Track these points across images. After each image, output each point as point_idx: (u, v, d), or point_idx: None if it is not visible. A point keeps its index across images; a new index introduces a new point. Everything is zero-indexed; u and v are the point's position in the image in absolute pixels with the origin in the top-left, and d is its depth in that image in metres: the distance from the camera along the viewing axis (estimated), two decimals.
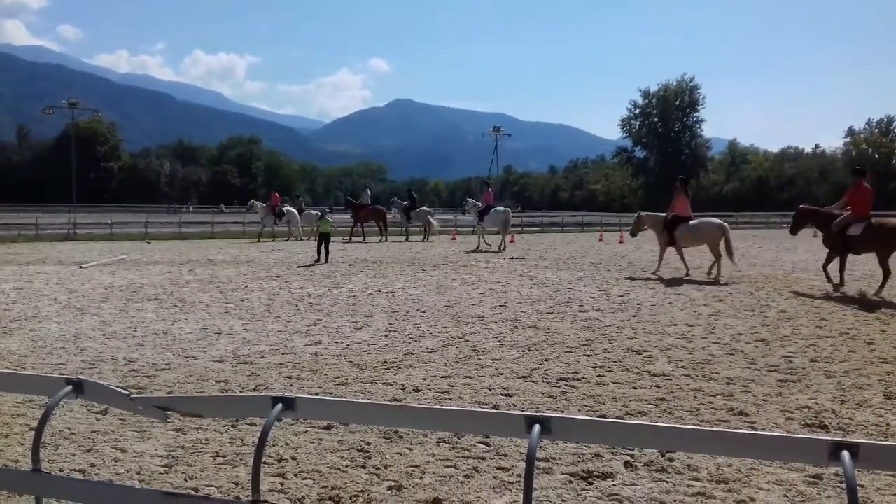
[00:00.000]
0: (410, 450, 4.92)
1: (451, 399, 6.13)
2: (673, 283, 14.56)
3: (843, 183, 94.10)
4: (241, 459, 4.78)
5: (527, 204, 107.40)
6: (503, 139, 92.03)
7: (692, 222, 15.95)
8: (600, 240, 32.57)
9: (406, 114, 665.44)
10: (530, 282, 14.74)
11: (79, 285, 14.04)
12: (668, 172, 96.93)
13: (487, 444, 4.96)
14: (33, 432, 5.25)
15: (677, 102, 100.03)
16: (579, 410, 5.73)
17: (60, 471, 4.50)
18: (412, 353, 7.95)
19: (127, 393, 3.48)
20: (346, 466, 4.64)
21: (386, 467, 4.61)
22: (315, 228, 29.70)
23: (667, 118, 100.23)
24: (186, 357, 7.82)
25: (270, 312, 10.85)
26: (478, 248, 25.16)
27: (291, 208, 31.95)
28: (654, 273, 16.08)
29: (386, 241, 30.49)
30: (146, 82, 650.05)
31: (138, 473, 4.58)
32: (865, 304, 11.72)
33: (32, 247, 26.58)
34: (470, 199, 28.84)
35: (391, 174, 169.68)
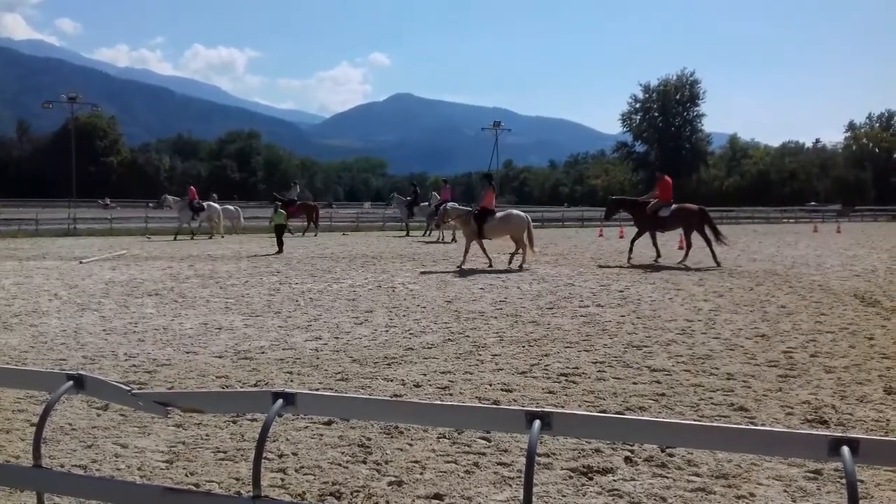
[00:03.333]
0: (411, 445, 4.93)
1: (451, 395, 6.14)
2: (673, 278, 14.56)
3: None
4: (241, 455, 4.79)
5: (526, 199, 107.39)
6: (503, 134, 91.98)
7: (499, 215, 17.03)
8: (600, 235, 32.57)
9: (406, 108, 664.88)
10: (530, 277, 14.74)
11: (79, 280, 14.04)
12: (668, 167, 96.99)
13: (488, 440, 4.97)
14: (34, 428, 5.26)
15: (678, 97, 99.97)
16: (579, 406, 5.74)
17: (61, 466, 4.51)
18: (412, 349, 7.96)
19: (128, 388, 3.48)
20: (347, 462, 4.65)
21: (386, 463, 4.62)
22: (237, 225, 30.71)
23: (667, 113, 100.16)
24: (187, 352, 7.83)
25: (271, 308, 10.85)
26: (438, 240, 27.84)
27: (213, 203, 29.67)
28: (459, 266, 16.59)
29: (315, 235, 30.27)
30: (145, 76, 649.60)
31: (139, 469, 4.59)
32: (865, 300, 11.73)
33: (33, 242, 26.58)
34: (396, 194, 33.17)
35: (391, 169, 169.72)
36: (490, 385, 6.42)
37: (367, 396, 3.82)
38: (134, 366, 7.20)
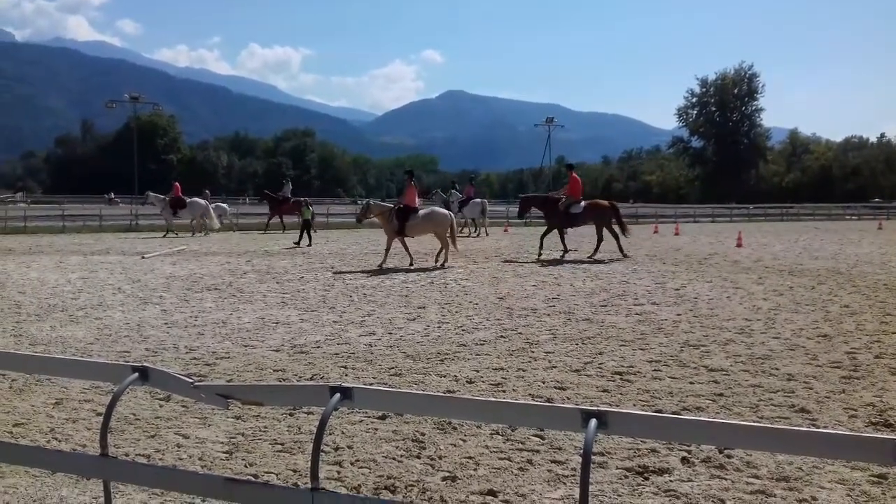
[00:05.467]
0: (464, 441, 4.95)
1: (504, 391, 6.14)
2: (731, 276, 14.27)
3: None
4: (298, 447, 4.88)
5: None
6: (556, 130, 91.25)
7: (422, 212, 16.75)
8: (655, 231, 32.07)
9: (458, 105, 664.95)
10: (583, 274, 14.62)
11: (141, 275, 14.48)
12: (725, 163, 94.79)
13: (541, 438, 4.96)
14: (100, 417, 5.46)
15: (735, 91, 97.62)
16: (634, 405, 5.68)
17: (126, 455, 4.65)
18: (465, 345, 7.98)
19: (190, 381, 3.58)
20: (401, 456, 4.70)
21: (440, 458, 4.65)
22: (226, 220, 31.08)
23: (725, 107, 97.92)
24: (245, 346, 8.01)
25: (325, 303, 11.01)
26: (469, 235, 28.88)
27: (199, 199, 29.45)
28: (379, 265, 16.15)
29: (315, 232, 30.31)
30: (204, 76, 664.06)
31: (200, 459, 4.71)
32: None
33: (97, 237, 27.48)
34: (438, 191, 33.31)
35: (442, 165, 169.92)
36: (543, 382, 6.39)
37: (423, 392, 3.86)
38: (194, 358, 7.39)
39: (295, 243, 22.89)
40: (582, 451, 4.08)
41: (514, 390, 6.17)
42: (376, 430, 5.20)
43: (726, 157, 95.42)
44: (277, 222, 30.70)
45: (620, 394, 6.04)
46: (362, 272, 15.07)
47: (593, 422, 2.83)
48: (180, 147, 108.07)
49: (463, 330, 8.87)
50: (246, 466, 4.57)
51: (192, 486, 3.57)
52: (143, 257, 18.32)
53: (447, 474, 4.39)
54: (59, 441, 5.05)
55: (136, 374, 3.58)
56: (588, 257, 17.78)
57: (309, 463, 4.52)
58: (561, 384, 6.33)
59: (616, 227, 18.19)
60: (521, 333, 8.60)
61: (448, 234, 16.39)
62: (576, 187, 18.61)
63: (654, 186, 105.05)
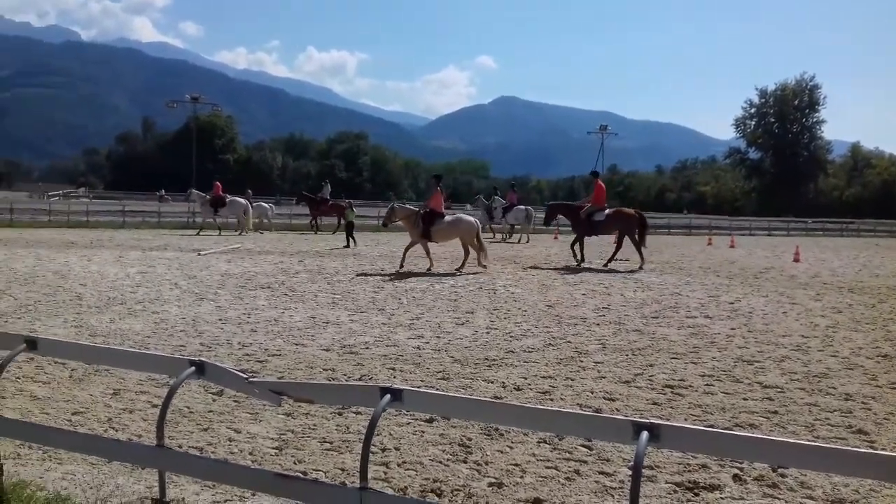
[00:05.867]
0: (511, 448, 4.94)
1: (552, 400, 6.10)
2: (788, 291, 13.92)
3: None
4: (346, 446, 4.93)
5: (630, 204, 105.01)
6: (609, 138, 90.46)
7: (448, 218, 16.64)
8: (709, 244, 31.48)
9: (511, 111, 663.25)
10: (634, 285, 14.43)
11: (197, 272, 14.82)
12: (784, 175, 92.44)
13: (589, 448, 4.91)
14: (155, 409, 5.61)
15: (796, 102, 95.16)
16: (686, 419, 5.58)
17: (179, 447, 4.75)
18: (513, 352, 7.96)
19: (245, 376, 3.66)
20: (448, 460, 4.71)
21: (486, 463, 4.65)
22: (266, 221, 31.21)
23: (784, 118, 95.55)
24: (296, 344, 8.13)
25: (375, 305, 11.10)
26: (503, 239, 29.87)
27: (238, 199, 29.68)
28: (399, 269, 16.00)
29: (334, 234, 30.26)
30: (261, 78, 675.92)
31: (251, 454, 4.80)
32: None
33: (155, 233, 28.21)
34: (480, 197, 35.15)
35: (494, 171, 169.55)
36: (592, 393, 6.33)
37: (472, 397, 3.86)
38: (247, 355, 7.53)
39: (347, 245, 23.19)
40: (632, 464, 4.03)
41: (562, 399, 6.12)
42: (423, 432, 5.22)
43: (784, 170, 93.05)
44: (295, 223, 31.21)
45: (671, 407, 5.95)
46: (412, 275, 15.14)
47: (645, 434, 2.80)
48: (237, 147, 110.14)
49: (511, 336, 8.85)
50: (295, 463, 4.64)
51: (244, 479, 3.64)
52: (199, 254, 18.75)
53: (493, 480, 4.38)
54: (116, 430, 5.19)
55: (193, 368, 3.68)
56: (603, 265, 17.76)
57: (356, 462, 4.57)
58: (610, 395, 6.26)
59: (637, 238, 17.96)
60: (569, 342, 8.54)
61: (475, 242, 16.28)
62: (600, 195, 18.48)
63: (709, 197, 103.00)
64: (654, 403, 6.05)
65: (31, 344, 4.17)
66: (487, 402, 3.61)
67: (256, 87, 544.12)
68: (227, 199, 29.02)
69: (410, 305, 11.12)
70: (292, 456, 4.76)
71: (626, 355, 7.88)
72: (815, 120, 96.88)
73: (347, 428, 5.30)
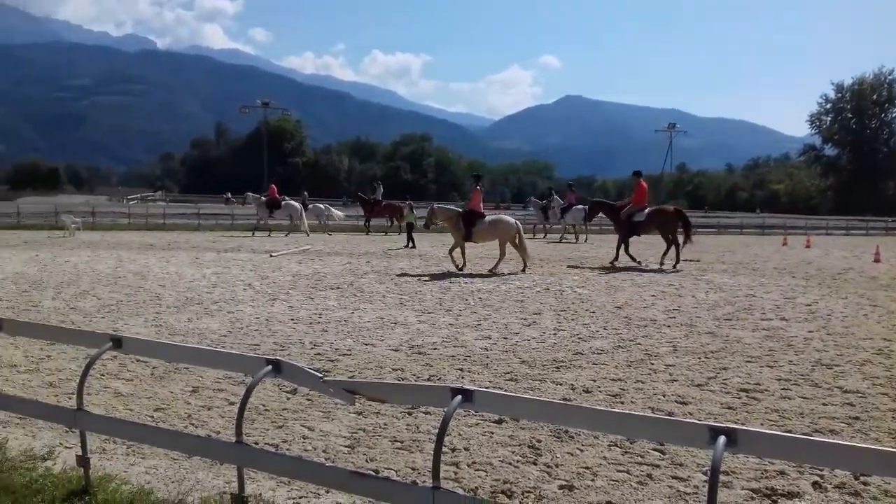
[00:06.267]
0: (581, 451, 4.90)
1: (622, 403, 6.03)
2: (868, 293, 13.38)
3: None
4: (417, 446, 4.98)
5: (700, 204, 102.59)
6: (677, 136, 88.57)
7: (488, 219, 16.46)
8: (784, 244, 30.51)
9: (575, 110, 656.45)
10: (706, 286, 14.11)
11: (270, 272, 15.19)
12: (862, 172, 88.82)
13: (662, 452, 4.84)
14: (232, 406, 5.78)
15: (874, 97, 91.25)
16: (762, 424, 5.43)
17: (256, 444, 4.88)
18: (581, 353, 7.90)
19: (320, 375, 3.75)
20: (518, 462, 4.71)
21: (557, 466, 4.63)
22: (324, 223, 32.01)
23: (862, 114, 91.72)
24: (365, 344, 8.25)
25: (442, 305, 11.17)
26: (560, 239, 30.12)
27: (292, 201, 30.33)
28: (459, 268, 16.15)
29: (397, 234, 30.48)
30: (328, 82, 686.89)
31: (324, 451, 4.90)
32: None
33: (229, 235, 29.02)
34: (532, 198, 36.98)
35: (558, 171, 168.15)
36: (663, 396, 6.23)
37: (543, 399, 3.86)
38: (318, 354, 7.69)
39: (407, 246, 23.43)
40: (708, 469, 3.96)
41: (632, 402, 6.05)
42: (492, 433, 5.24)
43: (863, 167, 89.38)
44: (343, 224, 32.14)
45: (746, 412, 5.80)
46: (478, 276, 15.16)
47: (722, 439, 2.75)
48: (305, 151, 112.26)
49: (579, 338, 8.78)
50: (367, 461, 4.72)
51: (320, 476, 3.73)
52: (271, 255, 19.21)
53: (564, 483, 4.36)
54: (196, 427, 5.37)
55: (270, 367, 3.78)
56: (659, 265, 17.60)
57: (426, 461, 4.62)
58: (682, 399, 6.15)
59: (680, 236, 17.94)
60: (639, 344, 8.42)
61: (516, 242, 16.13)
62: (641, 195, 18.37)
63: (783, 196, 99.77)
64: (729, 408, 5.91)
65: (117, 343, 4.36)
66: (559, 405, 3.60)
67: (323, 91, 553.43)
68: (282, 202, 29.73)
69: (477, 306, 11.15)
70: (364, 454, 4.84)
71: (699, 358, 7.72)
72: (894, 115, 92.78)
73: (417, 427, 5.36)
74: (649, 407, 5.89)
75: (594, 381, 6.73)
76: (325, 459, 4.70)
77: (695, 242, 18.22)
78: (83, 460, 4.21)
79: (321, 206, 33.10)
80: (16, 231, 29.34)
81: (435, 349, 8.05)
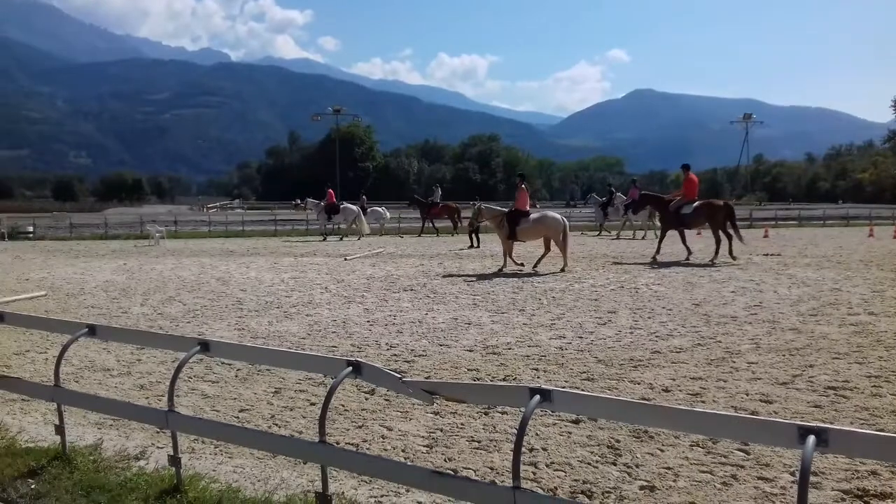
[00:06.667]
0: (662, 451, 4.83)
1: (703, 402, 5.91)
2: None
3: None
4: (494, 445, 5.00)
5: (779, 196, 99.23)
6: (753, 126, 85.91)
7: (533, 216, 16.33)
8: (870, 235, 29.21)
9: (645, 104, 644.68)
10: (788, 280, 13.65)
11: (345, 276, 15.48)
12: None
13: (746, 452, 4.72)
14: (313, 407, 5.93)
15: None
16: (851, 423, 5.24)
17: (337, 443, 5.00)
18: (659, 352, 7.76)
19: (398, 376, 3.81)
20: (597, 462, 4.68)
21: (637, 466, 4.58)
22: (383, 226, 32.36)
23: None
24: (440, 345, 8.32)
25: (515, 305, 11.15)
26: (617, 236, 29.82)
27: (350, 205, 30.62)
28: (500, 269, 16.12)
29: (454, 235, 30.41)
30: (396, 87, 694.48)
31: (403, 451, 4.97)
32: None
33: (304, 240, 29.68)
34: (593, 195, 36.62)
35: (629, 167, 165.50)
36: (747, 395, 6.07)
37: (623, 398, 3.82)
38: (394, 355, 7.80)
39: (472, 246, 23.47)
40: (795, 470, 3.86)
41: (714, 401, 5.91)
42: (570, 433, 5.21)
43: None
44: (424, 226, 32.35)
45: (835, 410, 5.60)
46: (550, 275, 15.07)
47: (811, 438, 2.68)
48: (375, 155, 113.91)
49: (657, 336, 8.63)
50: (445, 461, 4.77)
51: (401, 475, 3.79)
52: (345, 259, 19.56)
53: (645, 483, 4.31)
54: (279, 427, 5.53)
55: (350, 368, 3.87)
56: (709, 261, 17.16)
57: (504, 461, 4.65)
58: (767, 397, 5.98)
59: (730, 230, 17.49)
60: (719, 342, 8.22)
61: (560, 240, 15.95)
62: (691, 188, 18.10)
63: (867, 185, 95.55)
64: (816, 406, 5.71)
65: (204, 346, 4.54)
66: (640, 404, 3.56)
67: (392, 95, 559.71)
68: (340, 206, 30.29)
69: (550, 305, 11.09)
70: (442, 454, 4.89)
71: (783, 355, 7.49)
72: None
73: (494, 427, 5.38)
74: (732, 406, 5.75)
75: (673, 380, 6.61)
76: (405, 459, 4.78)
77: (743, 240, 17.73)
78: (174, 460, 4.38)
79: (379, 209, 33.59)
80: (105, 241, 30.73)
81: (509, 349, 8.05)
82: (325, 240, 29.16)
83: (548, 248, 16.28)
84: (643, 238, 27.96)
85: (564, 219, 16.42)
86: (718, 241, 17.49)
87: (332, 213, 29.95)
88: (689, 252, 17.94)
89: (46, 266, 18.56)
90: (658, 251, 18.16)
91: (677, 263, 17.07)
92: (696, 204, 17.83)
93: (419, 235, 31.48)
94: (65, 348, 5.01)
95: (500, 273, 15.66)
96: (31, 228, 34.39)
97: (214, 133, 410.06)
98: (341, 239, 29.32)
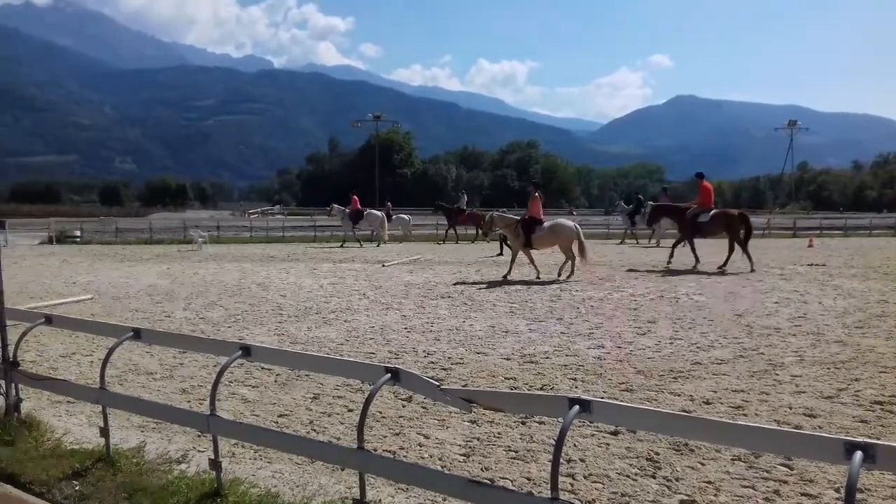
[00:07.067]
0: (702, 464, 4.76)
1: (745, 415, 5.80)
2: None
3: None
4: (531, 456, 4.98)
5: (825, 204, 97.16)
6: (798, 133, 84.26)
7: (547, 224, 16.31)
8: None
9: (687, 110, 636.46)
10: (833, 292, 13.35)
11: (383, 282, 15.56)
12: None
13: (789, 467, 4.63)
14: (351, 413, 5.97)
15: None
16: None
17: (374, 450, 5.02)
18: (700, 363, 7.65)
19: (436, 384, 3.82)
20: (636, 474, 4.62)
21: (677, 480, 4.52)
22: (408, 233, 32.32)
23: None
24: (477, 353, 8.31)
25: (553, 314, 11.09)
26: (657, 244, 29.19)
27: (374, 211, 30.82)
28: (504, 276, 15.99)
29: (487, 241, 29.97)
30: (436, 93, 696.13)
31: (440, 459, 4.98)
32: None
33: (344, 246, 29.90)
34: (621, 202, 36.55)
35: (670, 174, 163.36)
36: (790, 408, 5.95)
37: (664, 410, 3.77)
38: (431, 363, 7.81)
39: (499, 253, 23.36)
40: (840, 486, 3.78)
41: (756, 415, 5.81)
42: (608, 445, 5.17)
43: None
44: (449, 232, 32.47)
45: (881, 425, 5.46)
46: (589, 283, 14.97)
47: (858, 454, 2.63)
48: (413, 161, 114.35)
49: (697, 347, 8.50)
50: (482, 470, 4.76)
51: (437, 484, 3.80)
52: (383, 265, 19.67)
53: (685, 498, 4.25)
54: (317, 433, 5.57)
55: (389, 375, 3.89)
56: (718, 268, 17.25)
57: (542, 472, 4.62)
58: (811, 411, 5.85)
59: (743, 239, 17.68)
60: (762, 354, 8.07)
61: (576, 246, 15.88)
62: (706, 196, 18.31)
63: None
64: (862, 421, 5.58)
65: (246, 351, 4.61)
66: (681, 416, 3.51)
67: (431, 102, 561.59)
68: (365, 212, 30.48)
69: (588, 314, 11.00)
70: (479, 463, 4.89)
71: (828, 368, 7.32)
72: None
73: (531, 437, 5.36)
74: (775, 420, 5.65)
75: (714, 392, 6.51)
76: (441, 467, 4.78)
77: (752, 259, 17.51)
78: (215, 464, 4.45)
79: (405, 216, 33.74)
80: (149, 245, 31.36)
81: (547, 358, 8.01)
82: (361, 245, 29.39)
83: (570, 255, 16.21)
84: (657, 245, 28.06)
85: (577, 226, 16.45)
86: (732, 250, 17.57)
87: (357, 219, 30.22)
88: (698, 261, 17.96)
89: (93, 270, 19.00)
90: (671, 257, 18.89)
91: (704, 273, 16.90)
92: (712, 213, 18.04)
93: (442, 242, 31.53)
94: (110, 351, 5.13)
95: (505, 281, 15.59)
96: (78, 232, 35.25)
97: (257, 139, 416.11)
98: (361, 245, 29.56)
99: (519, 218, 16.95)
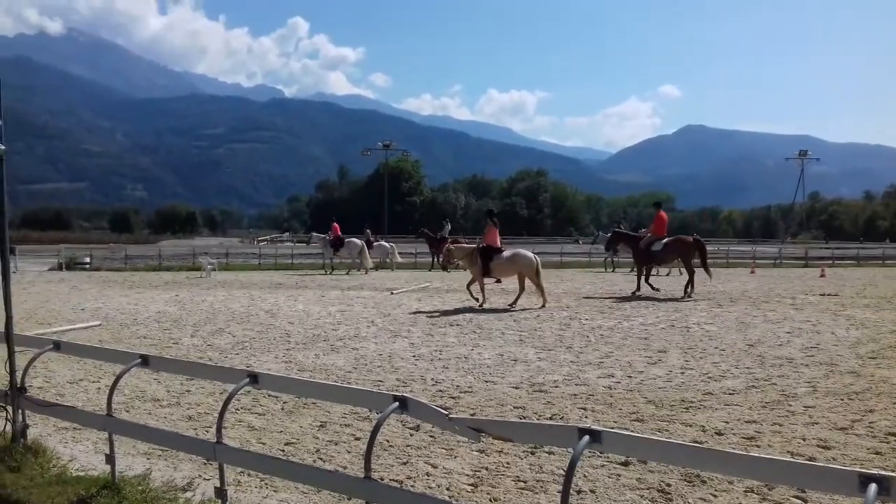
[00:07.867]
0: (715, 496, 4.68)
1: (758, 446, 5.72)
2: None
3: None
4: (541, 486, 4.91)
5: (836, 234, 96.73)
6: (809, 163, 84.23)
7: (506, 254, 16.44)
8: None
9: (697, 140, 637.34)
10: (847, 322, 13.23)
11: (391, 310, 15.52)
12: None
13: (803, 500, 4.55)
14: (358, 441, 5.91)
15: None
16: None
17: (381, 479, 4.96)
18: (711, 394, 7.56)
19: (445, 412, 3.78)
20: None
21: None
22: (390, 261, 31.78)
23: None
24: (486, 381, 8.25)
25: (562, 342, 11.02)
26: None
27: (354, 239, 30.72)
28: (480, 305, 16.04)
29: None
30: (445, 122, 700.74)
31: (448, 489, 4.91)
32: None
33: (352, 273, 29.91)
34: (600, 232, 36.64)
35: (679, 203, 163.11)
36: (803, 440, 5.86)
37: (676, 441, 3.72)
38: (440, 391, 7.75)
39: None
40: None
41: (769, 446, 5.72)
42: (619, 476, 5.09)
43: None
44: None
45: None
46: (599, 312, 14.89)
47: (873, 487, 2.57)
48: (422, 189, 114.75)
49: (709, 377, 8.42)
50: (490, 501, 4.69)
51: None
52: (392, 293, 19.64)
53: None
54: (324, 461, 5.52)
55: (397, 404, 3.85)
56: (686, 296, 17.90)
57: (551, 503, 4.55)
58: (824, 443, 5.76)
59: (698, 267, 18.52)
60: (775, 384, 7.97)
61: (535, 277, 16.01)
62: (660, 225, 19.03)
63: None
64: (877, 453, 5.49)
65: (254, 378, 4.58)
66: (693, 447, 3.46)
67: (441, 130, 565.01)
68: (346, 240, 30.52)
69: (598, 343, 10.92)
70: (487, 493, 4.82)
71: (841, 399, 7.22)
72: None
73: (541, 467, 5.29)
74: (788, 451, 5.56)
75: (726, 422, 6.42)
76: (449, 497, 4.72)
77: (712, 277, 18.94)
78: (221, 492, 4.40)
79: (386, 244, 33.70)
80: (158, 272, 31.45)
81: (556, 387, 7.94)
82: (330, 273, 29.51)
83: (522, 287, 16.41)
84: (668, 274, 27.81)
85: (536, 257, 16.50)
86: (692, 273, 18.36)
87: (338, 246, 30.27)
88: (646, 289, 18.73)
89: (102, 296, 19.06)
90: (638, 287, 18.99)
91: (666, 300, 17.26)
92: (665, 241, 18.74)
93: (430, 270, 31.34)
94: (118, 378, 5.11)
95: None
96: (87, 259, 35.38)
97: (266, 167, 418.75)
98: (348, 273, 29.54)
99: (474, 246, 17.16)
